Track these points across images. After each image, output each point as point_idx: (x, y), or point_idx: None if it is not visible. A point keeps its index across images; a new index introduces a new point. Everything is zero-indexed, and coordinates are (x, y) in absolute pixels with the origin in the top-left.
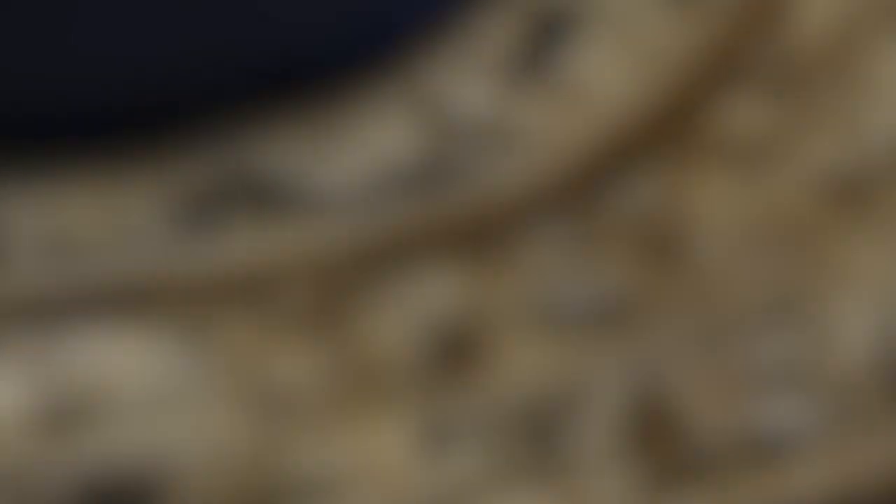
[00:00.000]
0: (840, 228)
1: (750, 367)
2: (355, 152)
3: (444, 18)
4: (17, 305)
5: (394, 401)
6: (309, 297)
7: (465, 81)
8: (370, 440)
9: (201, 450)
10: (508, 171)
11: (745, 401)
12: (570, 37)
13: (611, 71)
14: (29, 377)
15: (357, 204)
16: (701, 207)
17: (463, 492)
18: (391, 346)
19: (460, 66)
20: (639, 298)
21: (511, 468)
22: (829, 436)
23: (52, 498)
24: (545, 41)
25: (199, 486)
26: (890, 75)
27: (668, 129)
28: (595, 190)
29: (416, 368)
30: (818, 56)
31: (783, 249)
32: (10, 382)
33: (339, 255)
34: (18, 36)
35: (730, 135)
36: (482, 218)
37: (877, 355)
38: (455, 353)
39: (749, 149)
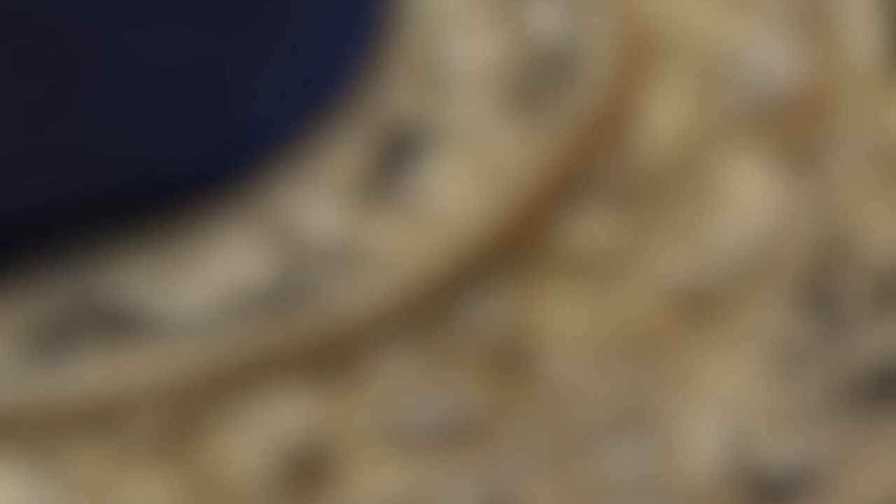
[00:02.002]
0: (688, 340)
1: (599, 480)
2: (205, 276)
3: (293, 140)
4: None
5: None
6: (160, 422)
7: (314, 202)
8: None
9: None
10: (358, 291)
11: None
12: (418, 156)
13: (459, 189)
14: None
15: (207, 328)
16: (550, 322)
17: None
18: (243, 470)
19: (310, 188)
20: (489, 414)
21: None
22: None
23: None
24: (394, 161)
25: None
26: (735, 188)
27: (517, 244)
28: (445, 307)
29: (268, 490)
30: (665, 169)
31: (632, 362)
32: None
33: (190, 380)
34: None
35: (578, 248)
36: (332, 339)
37: (724, 466)
38: (306, 473)
39: (597, 262)
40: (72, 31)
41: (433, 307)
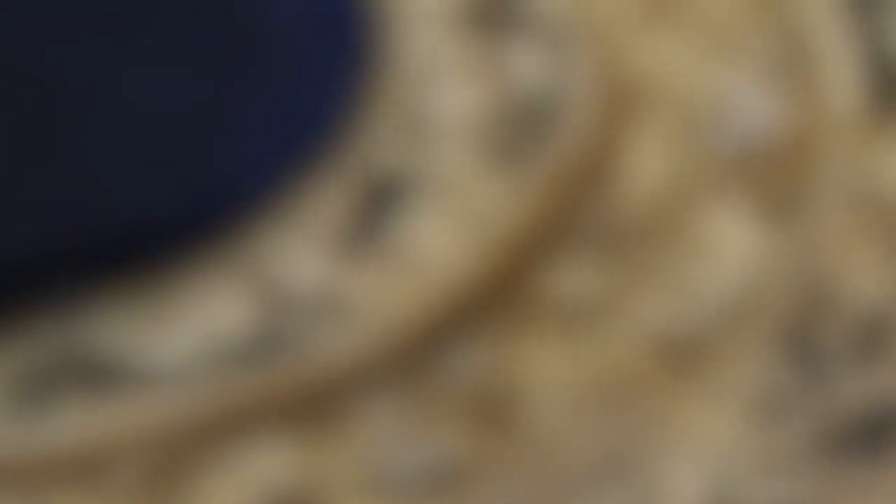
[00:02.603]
0: (670, 387)
1: None
2: (189, 325)
3: (276, 189)
4: None
5: None
6: (143, 472)
7: (297, 252)
8: None
9: None
10: (341, 340)
11: None
12: (401, 205)
13: (442, 238)
14: None
15: (191, 377)
16: (533, 370)
17: None
18: None
19: (293, 237)
20: (473, 463)
21: None
22: None
23: None
24: (377, 210)
25: None
26: (717, 236)
27: (499, 293)
28: (428, 356)
29: None
30: (647, 217)
31: (614, 410)
32: None
33: (173, 430)
34: None
35: (561, 297)
36: (315, 388)
37: None
38: None
39: (580, 310)
40: (56, 78)
41: (416, 356)
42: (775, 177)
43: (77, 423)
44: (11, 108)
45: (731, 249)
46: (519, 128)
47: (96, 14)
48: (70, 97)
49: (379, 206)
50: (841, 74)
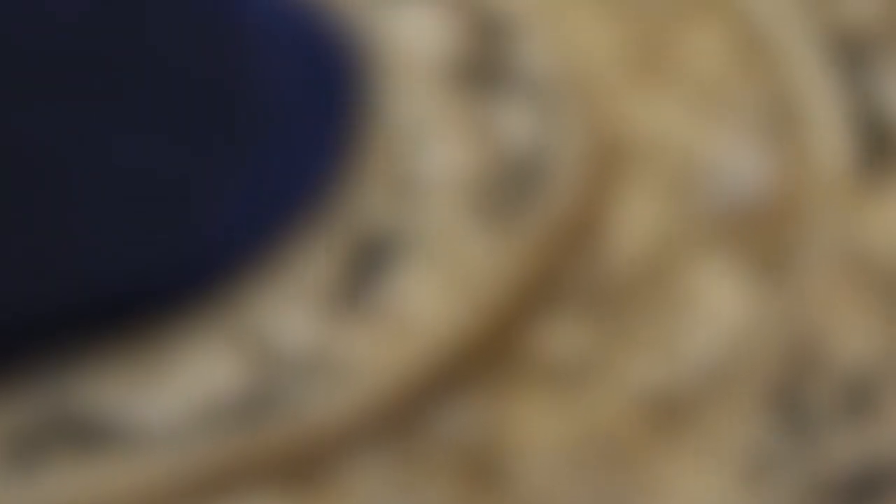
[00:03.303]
0: (659, 447)
1: None
2: (178, 386)
3: (265, 248)
4: None
5: None
6: None
7: (286, 311)
8: None
9: None
10: (331, 400)
11: None
12: (389, 264)
13: (431, 297)
14: None
15: (180, 438)
16: (522, 430)
17: None
18: None
19: (282, 296)
20: None
21: None
22: None
23: None
24: (365, 269)
25: None
26: (705, 295)
27: (488, 352)
28: (417, 416)
29: None
30: (635, 276)
31: (603, 469)
32: None
33: (163, 490)
34: None
35: (550, 356)
36: (305, 448)
37: None
38: None
39: (569, 369)
40: (38, 142)
41: (406, 416)
42: (764, 235)
43: (68, 483)
44: None
45: (720, 308)
46: (508, 186)
47: (77, 78)
48: (53, 161)
49: (368, 265)
50: (830, 133)
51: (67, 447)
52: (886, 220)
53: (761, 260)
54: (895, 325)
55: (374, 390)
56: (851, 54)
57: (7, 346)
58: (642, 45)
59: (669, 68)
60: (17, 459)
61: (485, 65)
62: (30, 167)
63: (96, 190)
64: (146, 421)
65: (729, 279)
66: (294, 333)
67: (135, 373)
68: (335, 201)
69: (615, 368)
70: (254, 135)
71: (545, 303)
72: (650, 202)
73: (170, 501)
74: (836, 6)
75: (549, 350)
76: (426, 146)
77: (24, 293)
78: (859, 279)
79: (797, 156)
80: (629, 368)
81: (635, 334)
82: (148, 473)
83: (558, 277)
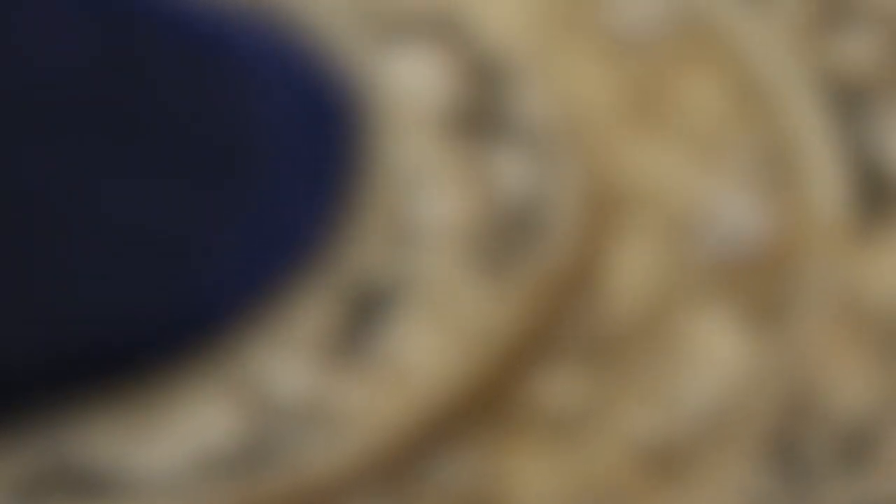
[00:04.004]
0: (656, 496)
1: None
2: (176, 436)
3: (262, 298)
4: None
5: None
6: None
7: (283, 361)
8: None
9: None
10: (328, 450)
11: None
12: (387, 314)
13: (428, 346)
14: None
15: (178, 488)
16: (519, 479)
17: None
18: None
19: (279, 346)
20: None
21: None
22: None
23: None
24: (363, 319)
25: None
26: (702, 344)
27: (486, 401)
28: (415, 466)
29: None
30: (632, 325)
31: None
32: None
33: None
34: None
35: (547, 405)
36: (303, 497)
37: None
38: None
39: (566, 419)
40: (38, 189)
41: (403, 465)
42: (760, 284)
43: None
44: None
45: (716, 357)
46: (505, 235)
47: (76, 125)
48: (51, 210)
49: (365, 314)
50: (826, 181)
51: (66, 497)
52: (883, 268)
53: (758, 308)
54: (892, 373)
55: (371, 440)
56: (848, 102)
57: (6, 397)
58: (639, 93)
59: (666, 116)
60: None
61: (482, 112)
62: (28, 217)
63: (94, 240)
64: (145, 471)
65: (726, 328)
66: (291, 383)
67: (133, 423)
68: (332, 250)
69: (612, 418)
70: (251, 183)
71: (542, 352)
72: (647, 250)
73: None
74: (834, 54)
75: (546, 399)
76: (423, 194)
77: (23, 343)
78: (856, 328)
79: (794, 204)
80: (626, 418)
81: (632, 383)
82: None
83: (555, 326)
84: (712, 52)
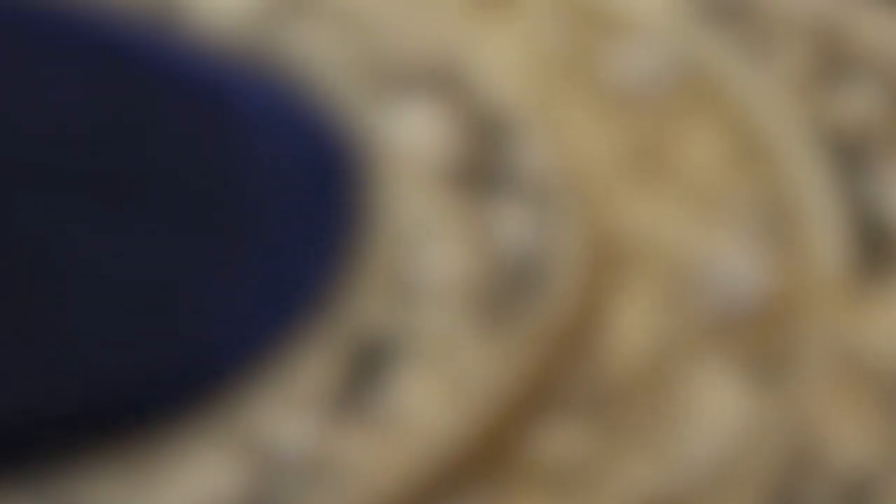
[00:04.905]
0: None
1: None
2: (177, 490)
3: (264, 354)
4: None
5: None
6: None
7: (285, 416)
8: None
9: None
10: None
11: None
12: (388, 368)
13: (430, 401)
14: None
15: None
16: None
17: None
18: None
19: (281, 401)
20: None
21: None
22: None
23: None
24: (364, 374)
25: None
26: (702, 398)
27: (487, 455)
28: None
29: None
30: (633, 379)
31: None
32: None
33: None
34: None
35: (548, 459)
36: None
37: None
38: None
39: (567, 473)
40: (37, 245)
41: None
42: (761, 338)
43: None
44: None
45: (717, 411)
46: (506, 289)
47: (78, 183)
48: (51, 266)
49: (367, 368)
50: (827, 235)
51: None
52: (883, 322)
53: (759, 362)
54: (892, 428)
55: (373, 494)
56: (848, 157)
57: (11, 452)
58: (640, 147)
59: (667, 170)
60: None
61: (483, 166)
62: (29, 275)
63: (97, 297)
64: None
65: (727, 382)
66: (293, 437)
67: (137, 478)
68: (334, 304)
69: (613, 471)
70: (253, 239)
71: (543, 406)
72: (648, 304)
73: None
74: (834, 109)
75: (547, 453)
76: (425, 248)
77: (26, 399)
78: (856, 382)
79: (794, 259)
80: (627, 471)
81: (633, 438)
82: None
83: (556, 381)
84: (713, 106)
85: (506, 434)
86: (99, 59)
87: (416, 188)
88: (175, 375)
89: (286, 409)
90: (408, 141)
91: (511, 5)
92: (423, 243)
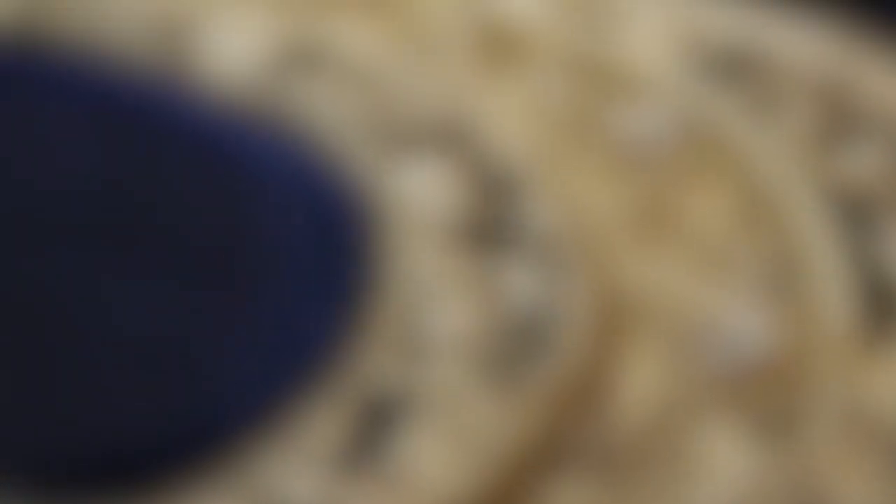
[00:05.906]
0: None
1: None
2: None
3: (271, 410)
4: None
5: None
6: None
7: (293, 471)
8: None
9: None
10: None
11: None
12: (396, 425)
13: (438, 458)
14: None
15: None
16: None
17: None
18: None
19: (289, 458)
20: None
21: None
22: None
23: None
24: (372, 430)
25: None
26: (710, 456)
27: None
28: None
29: None
30: (640, 437)
31: None
32: None
33: None
34: None
35: None
36: None
37: None
38: None
39: None
40: (45, 297)
41: None
42: (769, 396)
43: None
44: None
45: (725, 469)
46: (513, 346)
47: (83, 235)
48: (58, 319)
49: (375, 425)
50: (833, 293)
51: None
52: (891, 380)
53: (766, 421)
54: None
55: None
56: (855, 215)
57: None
58: (646, 204)
59: (673, 227)
60: None
61: (491, 223)
62: (38, 328)
63: (105, 351)
64: None
65: (734, 440)
66: (301, 493)
67: None
68: (342, 360)
69: None
70: (261, 294)
71: (551, 463)
72: (655, 362)
73: None
74: (840, 167)
75: None
76: (432, 305)
77: (35, 451)
78: (864, 441)
79: (801, 317)
80: None
81: (641, 495)
82: None
83: (564, 438)
84: (719, 165)
85: (514, 491)
86: (111, 116)
87: (425, 245)
88: (184, 430)
89: (295, 465)
90: (416, 198)
91: (518, 63)
92: (431, 300)
